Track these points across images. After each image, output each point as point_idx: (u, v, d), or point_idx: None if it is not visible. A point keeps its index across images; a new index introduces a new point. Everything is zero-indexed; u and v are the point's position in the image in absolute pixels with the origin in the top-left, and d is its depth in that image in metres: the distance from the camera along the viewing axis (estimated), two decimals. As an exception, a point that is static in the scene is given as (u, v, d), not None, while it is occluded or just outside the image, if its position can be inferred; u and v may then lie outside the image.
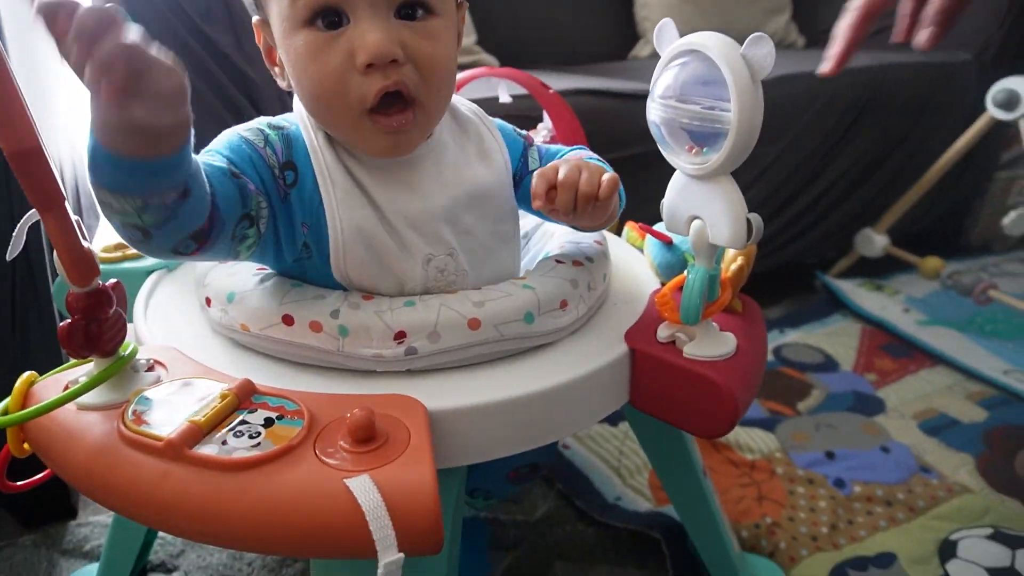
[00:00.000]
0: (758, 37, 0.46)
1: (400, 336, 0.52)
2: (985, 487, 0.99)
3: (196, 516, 0.42)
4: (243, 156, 0.53)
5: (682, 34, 0.51)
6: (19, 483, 0.54)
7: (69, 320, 0.48)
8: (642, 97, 0.56)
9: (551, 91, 0.89)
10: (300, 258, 0.56)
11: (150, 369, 0.52)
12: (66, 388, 0.49)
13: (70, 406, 0.48)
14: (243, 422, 0.45)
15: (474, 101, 0.65)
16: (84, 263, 0.46)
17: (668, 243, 0.67)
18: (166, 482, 0.42)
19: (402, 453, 0.43)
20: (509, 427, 0.52)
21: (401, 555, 0.38)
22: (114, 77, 0.35)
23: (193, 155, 0.43)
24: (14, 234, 0.48)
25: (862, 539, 0.90)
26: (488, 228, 0.59)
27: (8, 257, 0.48)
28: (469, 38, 1.58)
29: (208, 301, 0.58)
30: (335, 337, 0.52)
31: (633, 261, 0.73)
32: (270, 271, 0.58)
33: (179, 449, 0.43)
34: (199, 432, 0.44)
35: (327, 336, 0.53)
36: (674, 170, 0.56)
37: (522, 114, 0.93)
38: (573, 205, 0.54)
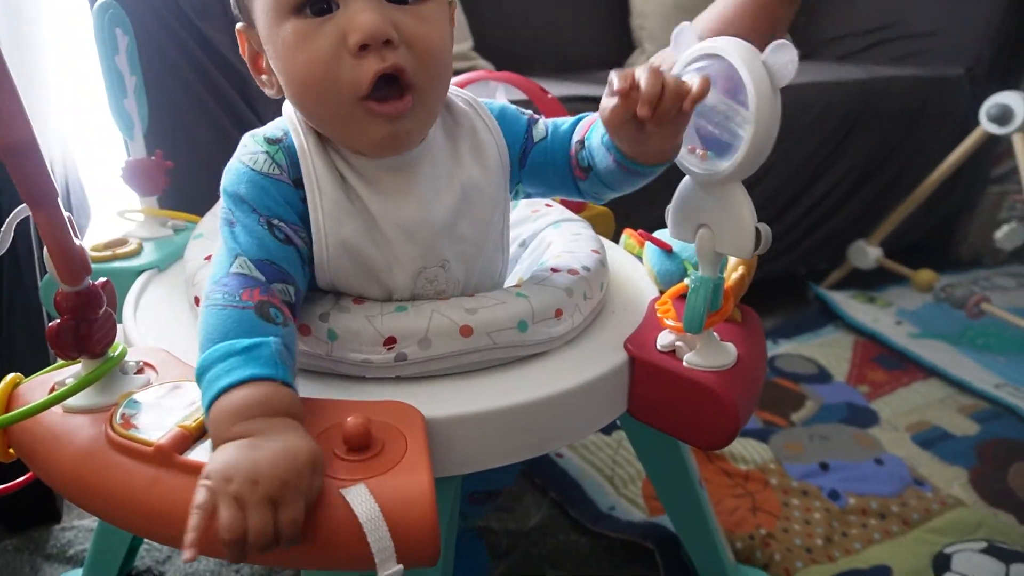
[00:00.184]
0: (781, 44, 0.46)
1: (390, 342, 0.51)
2: (978, 500, 0.99)
3: (185, 523, 0.40)
4: (273, 197, 0.51)
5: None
6: (0, 487, 0.52)
7: (58, 320, 0.47)
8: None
9: (550, 96, 0.88)
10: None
11: (139, 371, 0.51)
12: (52, 390, 0.48)
13: (56, 409, 0.47)
14: (235, 427, 0.44)
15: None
16: (75, 261, 0.45)
17: (668, 251, 0.67)
18: (154, 488, 0.41)
19: (399, 462, 0.42)
20: (507, 436, 0.51)
21: (400, 567, 0.37)
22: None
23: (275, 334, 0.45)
24: (2, 230, 0.47)
25: (857, 552, 0.89)
26: (479, 228, 0.58)
27: (-5, 254, 0.47)
28: (466, 44, 1.58)
29: (197, 300, 0.57)
30: (324, 341, 0.51)
31: (631, 269, 0.72)
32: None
33: (169, 455, 0.42)
34: (189, 437, 0.43)
35: (316, 340, 0.52)
36: (675, 177, 0.55)
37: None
38: (655, 105, 0.46)
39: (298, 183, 0.52)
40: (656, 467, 0.76)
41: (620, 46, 1.85)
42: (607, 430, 1.10)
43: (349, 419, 0.43)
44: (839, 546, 0.90)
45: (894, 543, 0.91)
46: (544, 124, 0.60)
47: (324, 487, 0.40)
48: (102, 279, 0.49)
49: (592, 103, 1.20)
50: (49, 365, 0.53)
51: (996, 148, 1.69)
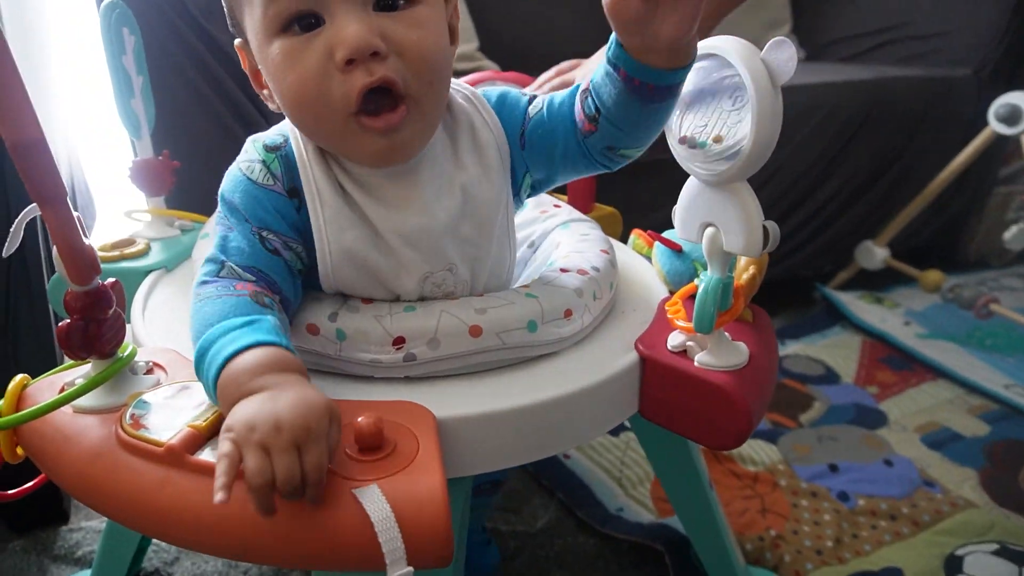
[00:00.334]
0: (780, 41, 0.46)
1: (399, 342, 0.50)
2: (989, 502, 0.98)
3: (195, 525, 0.40)
4: (265, 208, 0.51)
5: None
6: (10, 492, 0.52)
7: (68, 320, 0.46)
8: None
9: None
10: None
11: (149, 372, 0.51)
12: (62, 390, 0.48)
13: (66, 409, 0.47)
14: (245, 427, 0.44)
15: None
16: (85, 261, 0.45)
17: (678, 251, 0.66)
18: (165, 489, 0.41)
19: (411, 462, 0.42)
20: (518, 437, 0.50)
21: (411, 568, 0.37)
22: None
23: (272, 321, 0.45)
24: (11, 229, 0.47)
25: (867, 553, 0.88)
26: (483, 229, 0.57)
27: (4, 253, 0.47)
28: (471, 44, 1.57)
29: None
30: (333, 341, 0.51)
31: (640, 269, 0.72)
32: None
33: (179, 455, 0.41)
34: (199, 437, 0.43)
35: (325, 339, 0.52)
36: (681, 177, 0.55)
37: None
38: None
39: (292, 192, 0.52)
40: (666, 468, 0.75)
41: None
42: (615, 431, 1.10)
43: (361, 419, 0.42)
44: (849, 548, 0.89)
45: (905, 545, 0.90)
46: (542, 98, 0.58)
47: (336, 487, 0.39)
48: (111, 279, 0.49)
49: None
50: (56, 366, 0.52)
51: (1004, 148, 1.68)
